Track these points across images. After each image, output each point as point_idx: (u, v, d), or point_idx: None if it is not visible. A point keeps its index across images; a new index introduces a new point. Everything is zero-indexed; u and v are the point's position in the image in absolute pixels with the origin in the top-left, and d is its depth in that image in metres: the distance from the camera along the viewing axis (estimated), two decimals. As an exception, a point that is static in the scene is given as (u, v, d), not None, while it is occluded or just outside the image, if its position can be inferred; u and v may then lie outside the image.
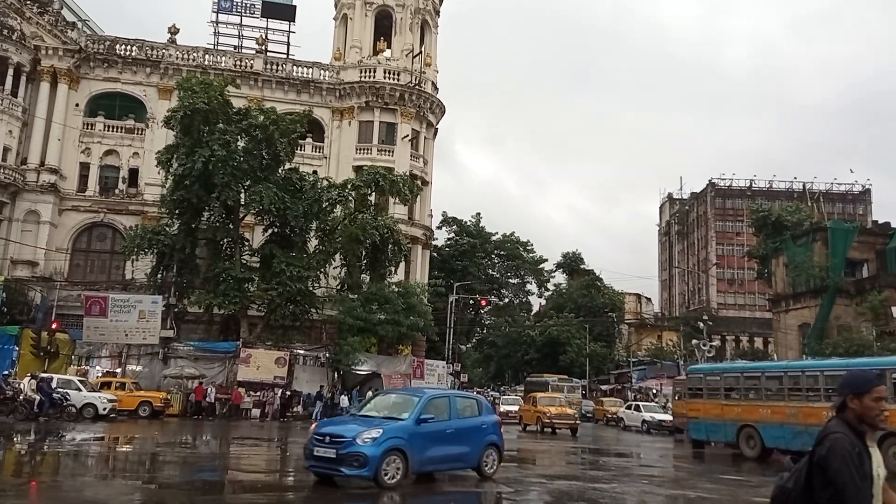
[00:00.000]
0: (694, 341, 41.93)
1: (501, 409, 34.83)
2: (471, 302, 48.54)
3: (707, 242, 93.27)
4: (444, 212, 57.91)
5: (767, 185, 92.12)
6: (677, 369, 46.48)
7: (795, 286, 51.01)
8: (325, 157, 41.76)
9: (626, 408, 37.75)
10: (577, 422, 29.51)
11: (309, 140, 40.97)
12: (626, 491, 12.56)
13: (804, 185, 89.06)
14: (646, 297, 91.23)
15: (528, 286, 62.70)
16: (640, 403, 37.29)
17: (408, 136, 42.11)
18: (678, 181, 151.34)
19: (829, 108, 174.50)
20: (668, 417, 32.73)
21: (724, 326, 67.83)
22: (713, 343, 43.21)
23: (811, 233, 51.36)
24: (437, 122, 46.37)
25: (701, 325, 44.21)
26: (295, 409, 31.11)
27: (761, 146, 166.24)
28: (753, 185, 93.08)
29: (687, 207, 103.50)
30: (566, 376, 46.98)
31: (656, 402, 40.04)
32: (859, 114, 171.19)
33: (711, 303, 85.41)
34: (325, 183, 34.20)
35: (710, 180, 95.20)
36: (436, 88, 45.23)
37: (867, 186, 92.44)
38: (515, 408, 36.04)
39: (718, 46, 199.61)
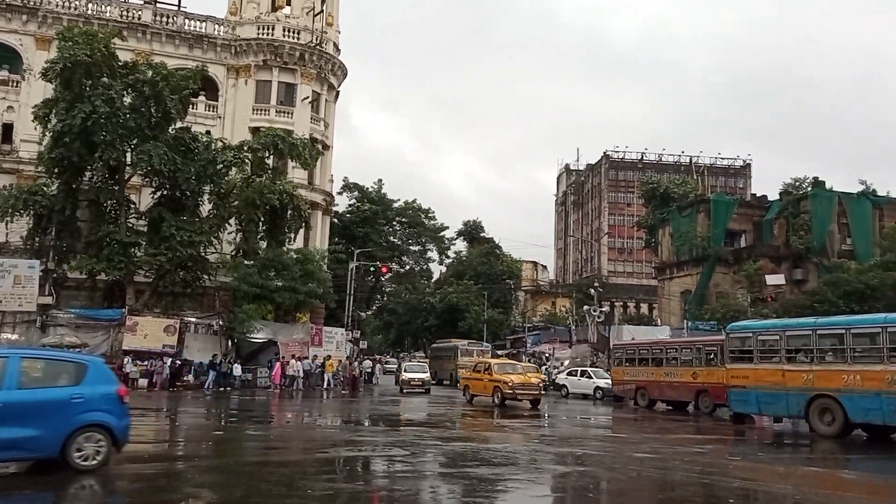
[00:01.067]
0: (585, 307, 43.69)
1: (405, 377, 34.09)
2: (371, 269, 48.33)
3: (601, 212, 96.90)
4: (345, 177, 57.08)
5: (657, 159, 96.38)
6: (569, 334, 48.37)
7: (679, 255, 54.03)
8: (220, 117, 40.06)
9: (569, 374, 34.92)
10: (542, 392, 26.20)
11: (202, 98, 39.11)
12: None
13: (690, 159, 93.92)
14: (542, 265, 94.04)
15: (430, 253, 63.13)
16: (590, 370, 34.57)
17: (308, 97, 40.98)
18: (575, 152, 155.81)
19: (712, 82, 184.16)
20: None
21: (614, 293, 71.04)
22: (603, 309, 45.17)
23: (695, 204, 54.38)
24: (339, 85, 45.37)
25: (592, 291, 46.06)
26: (185, 379, 30.14)
27: (650, 118, 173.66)
28: (644, 158, 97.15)
29: (583, 178, 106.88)
30: (475, 340, 47.31)
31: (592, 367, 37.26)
32: (740, 89, 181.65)
33: (603, 270, 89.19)
34: (220, 144, 32.82)
35: (604, 152, 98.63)
36: (337, 49, 44.14)
37: (748, 161, 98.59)
38: (423, 375, 34.42)
39: (607, 15, 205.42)
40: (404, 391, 33.02)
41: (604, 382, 31.27)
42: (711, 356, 23.64)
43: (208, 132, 35.30)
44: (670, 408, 25.88)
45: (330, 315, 43.41)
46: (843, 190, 49.95)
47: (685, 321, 45.98)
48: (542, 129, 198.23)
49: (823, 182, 51.14)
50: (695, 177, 75.32)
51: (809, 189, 50.58)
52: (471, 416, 21.92)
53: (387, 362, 62.48)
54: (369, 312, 69.25)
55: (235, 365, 31.38)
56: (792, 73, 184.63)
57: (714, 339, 25.97)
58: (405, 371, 35.77)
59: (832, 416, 16.33)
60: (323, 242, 42.32)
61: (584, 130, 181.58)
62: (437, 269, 71.12)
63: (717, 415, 22.86)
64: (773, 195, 54.57)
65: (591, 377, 33.05)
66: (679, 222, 54.53)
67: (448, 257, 68.35)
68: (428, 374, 35.00)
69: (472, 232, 73.37)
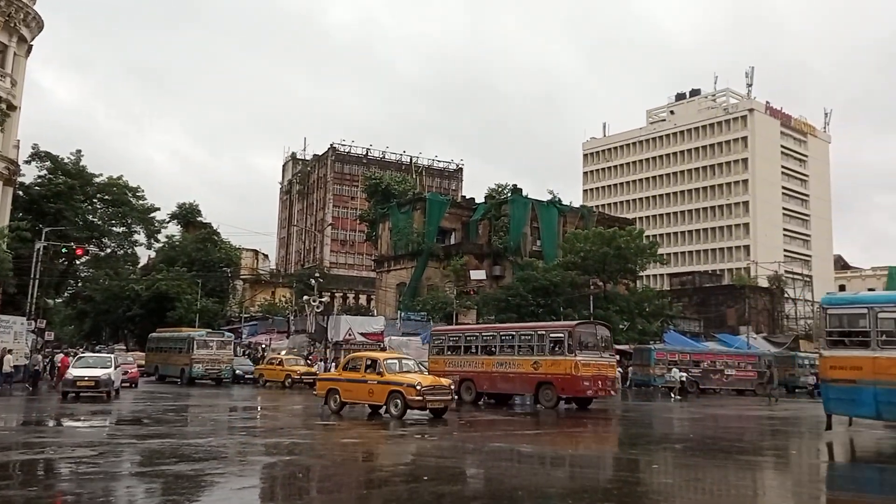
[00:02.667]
0: (305, 297, 43.63)
1: (74, 374, 22.84)
2: (64, 251, 42.77)
3: (325, 204, 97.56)
4: (35, 144, 49.64)
5: (381, 155, 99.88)
6: (288, 324, 47.94)
7: (397, 249, 56.70)
8: None
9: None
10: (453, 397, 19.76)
11: None
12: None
13: (411, 159, 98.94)
14: (263, 254, 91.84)
15: (137, 236, 57.57)
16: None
17: (-12, 47, 34.98)
18: (302, 142, 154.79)
19: (425, 87, 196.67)
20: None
21: (335, 283, 72.09)
22: (323, 299, 45.58)
23: (413, 202, 57.47)
24: (32, 39, 39.44)
25: (313, 282, 46.20)
26: None
27: (367, 113, 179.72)
28: (370, 153, 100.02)
29: (309, 168, 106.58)
30: (213, 329, 42.60)
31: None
32: (451, 96, 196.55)
33: (325, 261, 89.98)
34: None
35: (331, 144, 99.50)
36: (32, -2, 38.34)
37: (460, 165, 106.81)
38: (102, 372, 22.77)
39: (323, 4, 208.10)
40: (68, 395, 22.57)
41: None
42: (556, 344, 22.35)
43: None
44: (492, 401, 23.99)
45: (8, 302, 37.58)
46: (537, 197, 56.66)
47: (399, 312, 48.37)
48: (258, 113, 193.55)
49: (521, 189, 57.41)
50: (414, 176, 79.56)
51: (509, 195, 56.41)
52: (176, 412, 20.61)
53: (79, 356, 55.74)
54: (59, 300, 61.25)
55: None
56: (488, 85, 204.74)
57: (562, 324, 25.31)
58: (72, 367, 24.36)
59: None
60: (3, 218, 36.50)
61: (307, 120, 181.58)
62: (145, 254, 65.55)
63: (561, 409, 21.73)
64: (481, 198, 59.91)
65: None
66: (398, 218, 57.18)
67: (159, 241, 63.35)
68: (112, 371, 23.34)
69: (187, 216, 68.83)
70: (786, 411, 25.70)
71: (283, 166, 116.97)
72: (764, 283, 70.14)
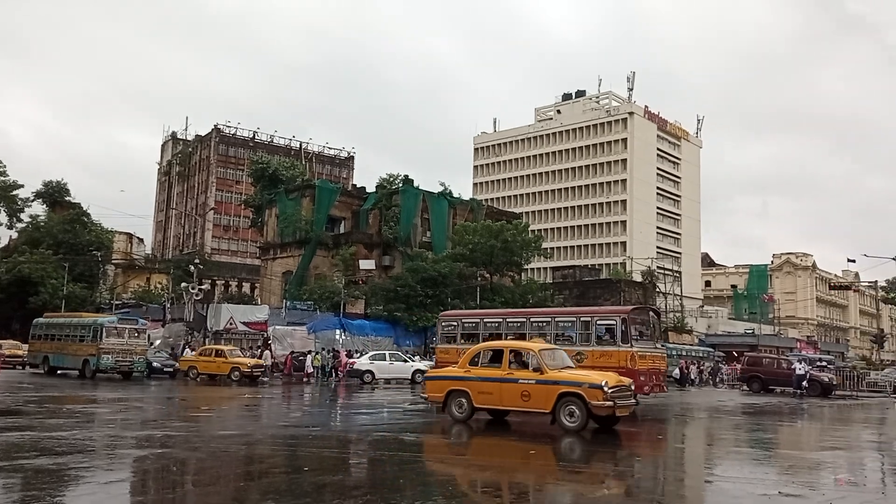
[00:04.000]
0: (183, 284, 41.76)
1: None
2: None
3: (207, 187, 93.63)
4: None
5: (269, 139, 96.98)
6: (163, 312, 45.76)
7: (284, 236, 55.36)
8: None
9: (374, 358, 32.83)
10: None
11: None
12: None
13: (301, 144, 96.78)
14: (138, 238, 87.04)
15: (-5, 216, 53.14)
16: (397, 353, 31.95)
17: None
18: (184, 121, 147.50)
19: (306, 66, 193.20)
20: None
21: (216, 271, 69.43)
22: (202, 287, 43.80)
23: (302, 189, 56.29)
24: None
25: (192, 268, 44.28)
26: None
27: (249, 96, 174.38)
28: (257, 136, 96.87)
29: (191, 149, 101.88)
30: (127, 314, 38.93)
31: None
32: (334, 77, 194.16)
33: (206, 247, 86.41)
34: None
35: (215, 125, 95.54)
36: None
37: (352, 153, 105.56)
38: None
39: None
40: None
41: (425, 365, 30.05)
42: (606, 333, 19.66)
43: None
44: None
45: None
46: (428, 189, 56.94)
47: (284, 301, 47.31)
48: (127, 86, 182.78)
49: (413, 180, 57.53)
50: (304, 162, 77.93)
51: (401, 185, 56.41)
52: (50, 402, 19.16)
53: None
54: None
55: None
56: (374, 71, 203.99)
57: (613, 310, 23.09)
58: None
59: None
60: None
61: (187, 98, 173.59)
62: (6, 235, 60.52)
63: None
64: (372, 187, 59.52)
65: (405, 360, 32.79)
66: (286, 204, 55.81)
67: (21, 221, 58.72)
68: None
69: (53, 195, 64.16)
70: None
71: (163, 146, 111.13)
72: (638, 277, 74.05)
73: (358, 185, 67.59)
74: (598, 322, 19.97)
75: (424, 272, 44.84)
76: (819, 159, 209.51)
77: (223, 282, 70.88)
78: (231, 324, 40.58)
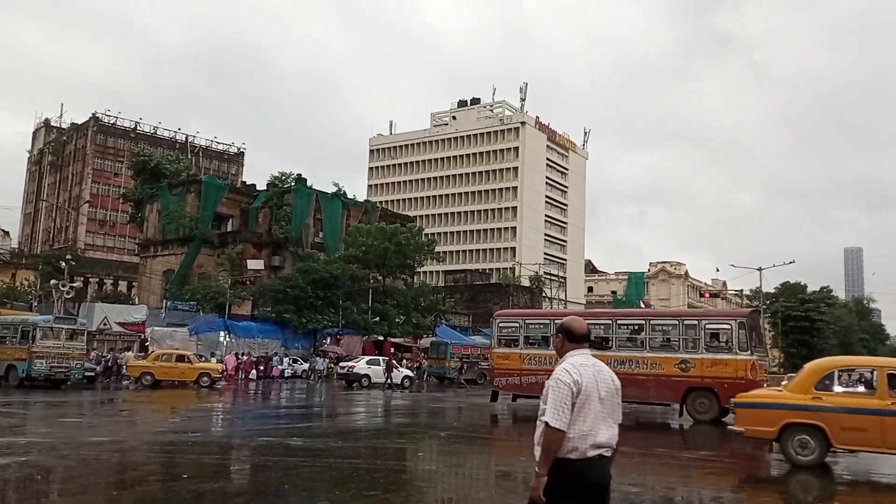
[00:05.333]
0: (53, 281, 38.91)
1: None
2: None
3: (83, 178, 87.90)
4: None
5: (153, 131, 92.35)
6: (30, 311, 42.43)
7: (166, 233, 52.81)
8: None
9: (369, 363, 34.92)
10: None
11: None
12: None
13: (186, 138, 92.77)
14: (3, 231, 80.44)
15: None
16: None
17: None
18: (59, 108, 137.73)
19: (187, 54, 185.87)
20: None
21: (90, 268, 65.25)
22: (74, 284, 40.99)
23: (187, 184, 53.91)
24: None
25: (63, 264, 41.34)
26: None
27: (127, 84, 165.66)
28: (139, 127, 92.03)
29: (65, 138, 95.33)
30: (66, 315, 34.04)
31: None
32: (217, 67, 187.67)
33: (79, 242, 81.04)
34: None
35: (94, 114, 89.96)
36: None
37: (242, 149, 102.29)
38: None
39: None
40: None
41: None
42: (718, 338, 17.94)
43: None
44: None
45: None
46: (322, 189, 56.02)
47: (164, 301, 45.15)
48: None
49: (305, 179, 56.41)
50: (189, 156, 74.68)
51: (293, 184, 55.19)
52: None
53: None
54: None
55: None
56: (262, 64, 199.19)
57: (727, 312, 21.26)
58: None
59: None
60: None
61: (60, 85, 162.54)
62: None
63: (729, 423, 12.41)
64: (262, 185, 57.88)
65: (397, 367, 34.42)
66: (169, 200, 53.29)
67: None
68: None
69: None
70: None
71: (34, 133, 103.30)
72: (526, 282, 76.19)
73: (248, 183, 65.46)
74: (708, 326, 18.10)
75: (316, 273, 44.08)
76: (694, 172, 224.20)
77: (97, 279, 66.68)
78: (105, 324, 38.25)
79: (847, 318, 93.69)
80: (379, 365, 34.45)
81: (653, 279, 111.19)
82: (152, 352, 32.72)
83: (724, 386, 16.65)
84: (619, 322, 19.33)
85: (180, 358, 29.95)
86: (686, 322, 18.47)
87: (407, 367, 38.06)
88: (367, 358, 36.67)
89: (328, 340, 44.41)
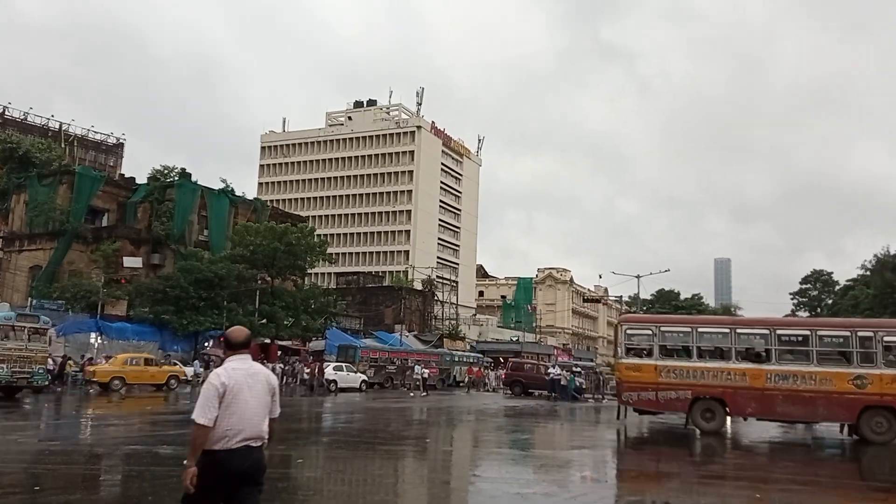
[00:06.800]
0: None
1: None
2: None
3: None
4: None
5: (23, 117, 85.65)
6: None
7: (33, 226, 49.03)
8: None
9: (335, 368, 35.89)
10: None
11: None
12: None
13: (61, 125, 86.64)
14: None
15: None
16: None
17: None
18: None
19: (56, 30, 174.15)
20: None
21: (-56, 262, 59.54)
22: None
23: (59, 174, 50.34)
24: None
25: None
26: None
27: None
28: (7, 112, 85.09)
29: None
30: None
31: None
32: (87, 44, 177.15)
33: (-68, 234, 73.84)
34: None
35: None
36: None
37: (121, 140, 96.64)
38: None
39: None
40: None
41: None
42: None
43: None
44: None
45: None
46: (208, 185, 53.73)
47: (30, 299, 41.92)
48: None
49: (190, 174, 53.99)
50: (63, 145, 69.82)
51: (176, 179, 52.67)
52: None
53: None
54: None
55: None
56: (138, 46, 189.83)
57: None
58: None
59: None
60: None
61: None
62: None
63: None
64: (143, 178, 54.85)
65: (354, 372, 35.72)
66: (38, 191, 49.53)
67: None
68: None
69: None
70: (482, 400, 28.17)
71: None
72: (419, 286, 76.44)
73: (127, 175, 61.88)
74: (886, 339, 16.45)
75: (199, 273, 42.20)
76: (580, 179, 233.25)
77: (-48, 275, 60.93)
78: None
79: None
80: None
81: (540, 284, 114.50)
82: (106, 356, 32.78)
83: None
84: (778, 332, 17.41)
85: (148, 361, 30.22)
86: (860, 333, 16.74)
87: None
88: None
89: (210, 343, 42.65)
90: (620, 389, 18.55)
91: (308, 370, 36.37)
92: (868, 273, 63.61)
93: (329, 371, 35.35)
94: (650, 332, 18.33)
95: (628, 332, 18.63)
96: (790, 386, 16.35)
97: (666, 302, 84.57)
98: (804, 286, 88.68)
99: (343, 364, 37.36)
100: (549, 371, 37.14)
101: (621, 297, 74.41)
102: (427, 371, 37.92)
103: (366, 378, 37.34)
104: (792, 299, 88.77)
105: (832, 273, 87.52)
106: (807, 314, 74.49)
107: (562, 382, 35.27)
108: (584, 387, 37.72)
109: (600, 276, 76.77)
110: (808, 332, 17.20)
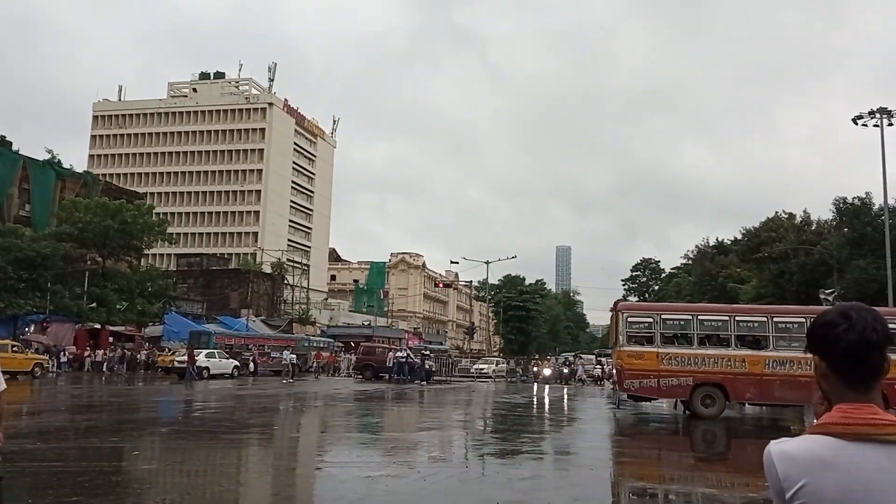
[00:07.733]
0: None
1: None
2: None
3: None
4: None
5: None
6: None
7: None
8: None
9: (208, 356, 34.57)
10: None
11: None
12: None
13: None
14: None
15: None
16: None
17: None
18: None
19: None
20: None
21: None
22: None
23: None
24: None
25: None
26: None
27: None
28: None
29: None
30: None
31: None
32: None
33: None
34: None
35: None
36: None
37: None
38: None
39: None
40: None
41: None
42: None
43: None
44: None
45: None
46: (30, 155, 48.81)
47: None
48: None
49: (11, 143, 48.81)
50: None
51: (-8, 147, 47.32)
52: None
53: None
54: None
55: None
56: None
57: None
58: None
59: None
60: None
61: None
62: None
63: None
64: (-49, 145, 48.67)
65: (227, 358, 35.39)
66: None
67: None
68: None
69: None
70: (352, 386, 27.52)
71: None
72: (268, 269, 74.21)
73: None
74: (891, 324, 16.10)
75: (19, 251, 38.34)
76: (433, 164, 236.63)
77: None
78: None
79: (556, 309, 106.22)
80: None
81: (393, 269, 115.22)
82: None
83: None
84: (775, 319, 17.78)
85: (14, 347, 29.57)
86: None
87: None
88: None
89: (32, 328, 39.00)
90: (622, 378, 18.40)
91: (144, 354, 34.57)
92: (690, 262, 70.04)
93: (201, 358, 34.64)
94: (651, 319, 18.43)
95: (629, 320, 18.49)
96: (787, 371, 16.88)
97: (512, 287, 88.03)
98: (635, 273, 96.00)
99: (215, 351, 36.82)
100: (396, 354, 37.57)
101: (471, 282, 76.68)
102: (294, 356, 37.10)
103: (237, 364, 36.86)
104: (623, 285, 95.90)
105: (660, 261, 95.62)
106: (636, 299, 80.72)
107: (410, 364, 35.78)
108: (433, 370, 38.49)
109: (453, 262, 79.12)
110: (802, 320, 17.60)
